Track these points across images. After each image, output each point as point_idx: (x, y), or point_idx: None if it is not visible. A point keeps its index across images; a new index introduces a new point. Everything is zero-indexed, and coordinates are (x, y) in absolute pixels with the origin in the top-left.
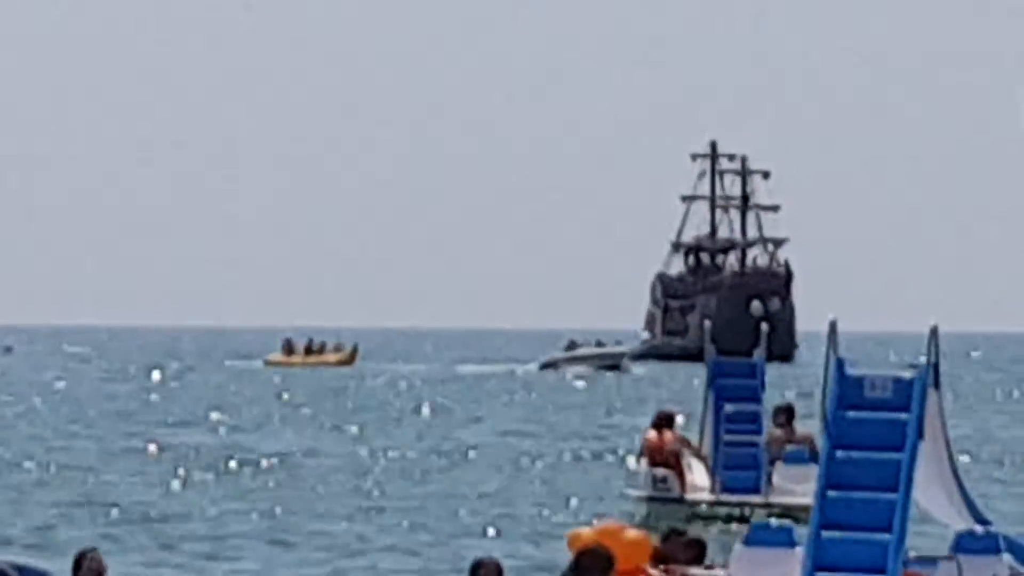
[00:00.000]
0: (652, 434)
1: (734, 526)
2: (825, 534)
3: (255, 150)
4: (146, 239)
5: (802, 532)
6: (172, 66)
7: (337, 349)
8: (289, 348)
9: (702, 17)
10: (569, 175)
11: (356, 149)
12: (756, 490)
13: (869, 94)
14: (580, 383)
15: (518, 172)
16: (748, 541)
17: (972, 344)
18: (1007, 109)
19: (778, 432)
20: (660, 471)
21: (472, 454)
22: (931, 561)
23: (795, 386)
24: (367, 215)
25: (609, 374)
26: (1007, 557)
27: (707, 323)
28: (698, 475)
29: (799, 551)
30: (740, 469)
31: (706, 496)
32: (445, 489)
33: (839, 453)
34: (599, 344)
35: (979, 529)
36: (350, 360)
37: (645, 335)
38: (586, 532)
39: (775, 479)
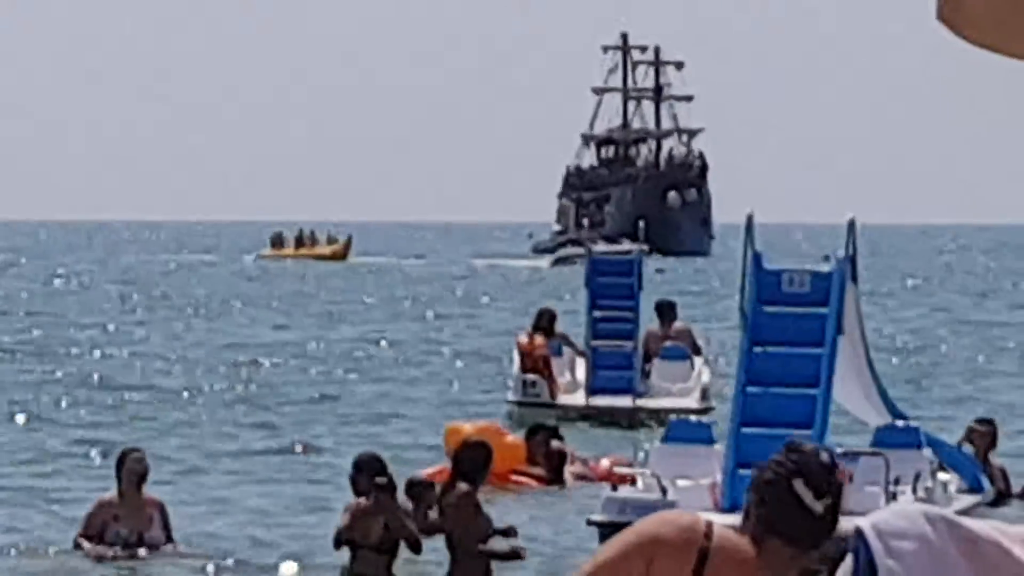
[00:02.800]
0: (523, 338)
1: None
2: (745, 430)
3: (248, 53)
4: (139, 135)
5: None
6: None
7: (330, 241)
8: (280, 241)
9: None
10: (479, 69)
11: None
12: (628, 391)
13: None
14: None
15: (428, 67)
16: (667, 438)
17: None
18: (923, 3)
19: (655, 328)
20: (530, 376)
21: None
22: (854, 457)
23: (709, 280)
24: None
25: None
26: (927, 451)
27: (585, 220)
28: (580, 374)
29: (718, 448)
30: (611, 370)
31: (577, 401)
32: None
33: (758, 349)
34: (609, 240)
35: (900, 424)
36: (344, 253)
37: (555, 227)
38: (466, 427)
39: (652, 377)
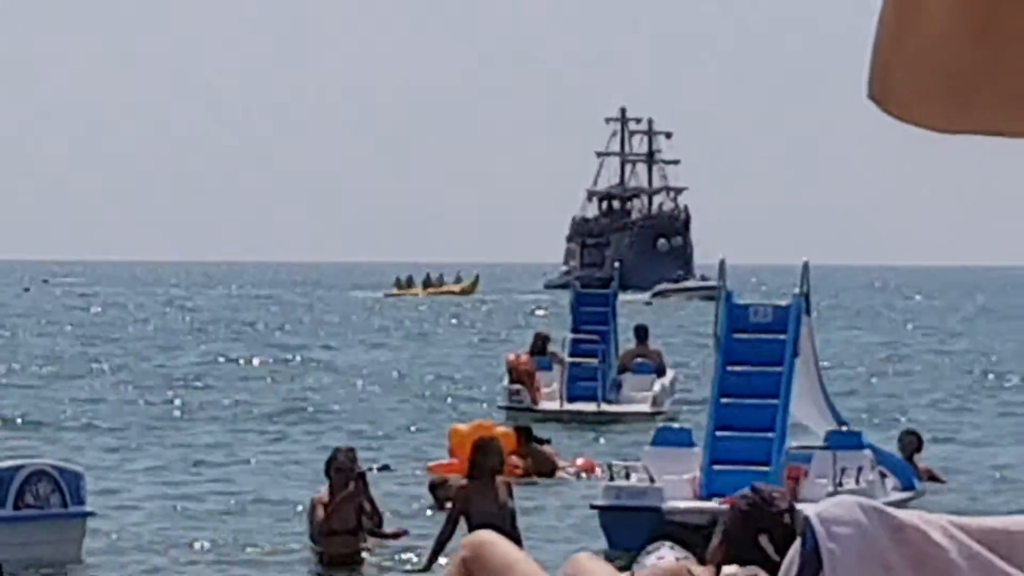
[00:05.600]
0: (511, 356)
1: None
2: (719, 434)
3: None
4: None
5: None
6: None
7: (457, 280)
8: (407, 283)
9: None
10: (503, 135)
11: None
12: (594, 399)
13: (752, 69)
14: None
15: (466, 131)
16: (654, 442)
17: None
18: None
19: (631, 347)
20: (515, 386)
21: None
22: (807, 457)
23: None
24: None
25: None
26: (868, 451)
27: (573, 263)
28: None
29: (697, 450)
30: (583, 381)
31: (553, 405)
32: None
33: (729, 368)
34: (703, 278)
35: (845, 428)
36: (472, 289)
37: (564, 268)
38: (463, 427)
39: (623, 387)
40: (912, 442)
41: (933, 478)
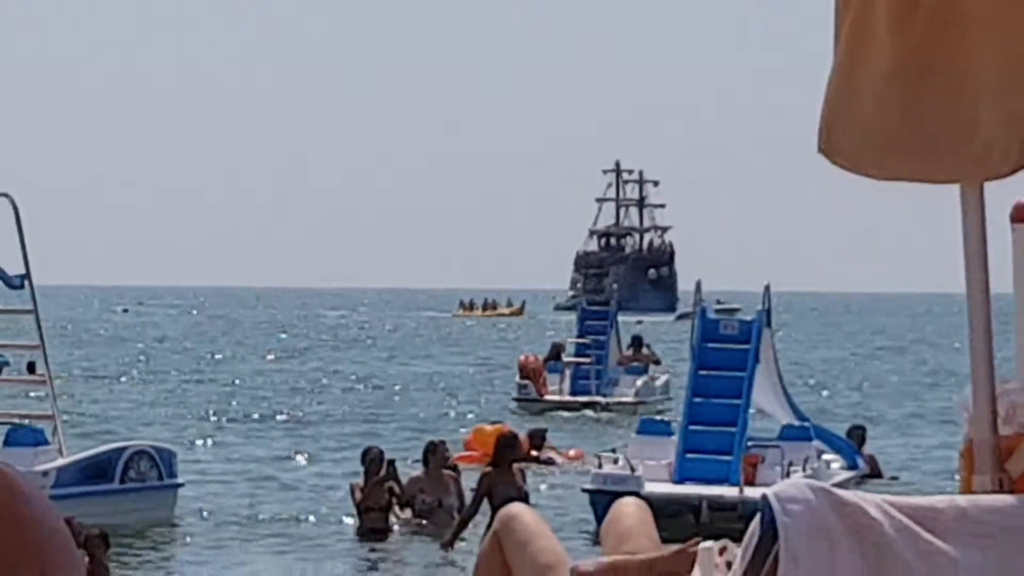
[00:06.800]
0: (521, 357)
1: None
2: (691, 428)
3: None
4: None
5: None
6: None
7: (508, 305)
8: (470, 306)
9: (611, 67)
10: (521, 184)
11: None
12: (589, 392)
13: (726, 127)
14: None
15: (496, 185)
16: (639, 431)
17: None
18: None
19: (628, 352)
20: (523, 381)
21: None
22: (764, 447)
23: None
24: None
25: None
26: (816, 443)
27: (578, 288)
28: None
29: (674, 439)
30: (582, 379)
31: (556, 397)
32: None
33: (701, 372)
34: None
35: (796, 422)
36: (520, 312)
37: (570, 293)
38: (488, 428)
39: (619, 384)
40: (859, 434)
41: (875, 466)
